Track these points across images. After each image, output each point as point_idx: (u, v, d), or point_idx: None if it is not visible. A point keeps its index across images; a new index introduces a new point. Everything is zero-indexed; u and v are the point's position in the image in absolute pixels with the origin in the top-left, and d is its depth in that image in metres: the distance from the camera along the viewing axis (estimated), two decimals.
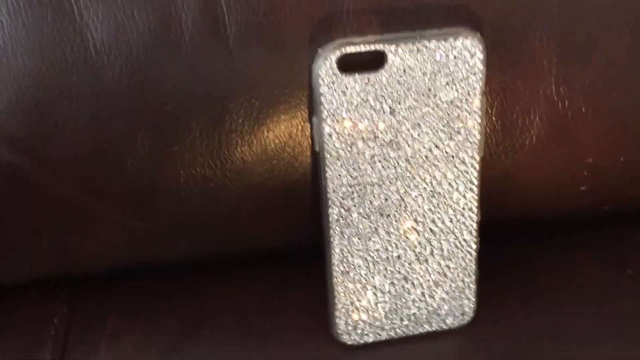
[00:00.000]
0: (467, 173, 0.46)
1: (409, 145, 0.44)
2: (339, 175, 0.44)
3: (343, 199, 0.45)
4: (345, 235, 0.46)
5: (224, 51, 0.41)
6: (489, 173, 0.48)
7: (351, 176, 0.44)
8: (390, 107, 0.43)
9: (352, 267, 0.47)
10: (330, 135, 0.43)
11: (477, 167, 0.45)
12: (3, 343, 0.50)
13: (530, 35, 0.43)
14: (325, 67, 0.41)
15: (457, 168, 0.45)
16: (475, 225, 0.47)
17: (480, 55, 0.42)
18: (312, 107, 0.42)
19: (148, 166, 0.43)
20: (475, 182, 0.46)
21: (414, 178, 0.45)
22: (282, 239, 0.50)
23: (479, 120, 0.44)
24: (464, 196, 0.46)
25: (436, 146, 0.44)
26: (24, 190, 0.43)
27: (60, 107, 0.41)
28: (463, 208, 0.46)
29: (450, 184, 0.46)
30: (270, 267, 0.53)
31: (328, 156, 0.43)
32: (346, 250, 0.46)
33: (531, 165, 0.48)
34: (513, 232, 0.54)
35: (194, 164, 0.44)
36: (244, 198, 0.46)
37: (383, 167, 0.44)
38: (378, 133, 0.43)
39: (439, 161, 0.45)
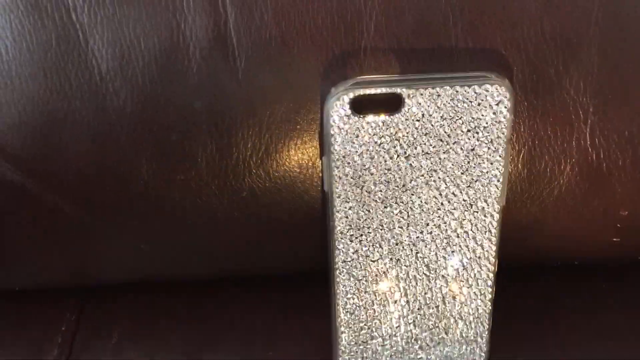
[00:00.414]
0: (486, 222, 0.43)
1: (423, 191, 0.42)
2: (347, 217, 0.42)
3: (351, 240, 0.43)
4: (352, 277, 0.44)
5: (233, 82, 0.39)
6: (512, 219, 0.45)
7: (360, 219, 0.42)
8: (405, 152, 0.40)
9: (358, 308, 0.45)
10: (339, 177, 0.41)
11: (497, 216, 0.43)
12: (9, 345, 0.51)
13: (565, 81, 0.40)
14: (338, 108, 0.38)
15: (475, 216, 0.43)
16: (491, 275, 0.44)
17: (507, 103, 0.39)
18: (323, 146, 0.40)
19: (153, 192, 0.42)
20: (494, 231, 0.43)
21: (427, 224, 0.43)
22: (289, 267, 0.48)
23: (502, 169, 0.41)
24: (481, 245, 0.44)
25: (453, 193, 0.42)
26: (28, 208, 0.43)
27: (63, 130, 0.40)
28: (479, 257, 0.44)
29: (466, 232, 0.43)
30: (275, 292, 0.51)
31: (337, 198, 0.41)
32: (352, 291, 0.44)
33: (559, 215, 0.45)
34: (537, 274, 0.51)
35: (199, 193, 0.42)
36: (250, 228, 0.44)
37: (394, 211, 0.42)
38: (391, 177, 0.41)
39: (455, 208, 0.42)
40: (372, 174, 0.41)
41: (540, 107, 0.41)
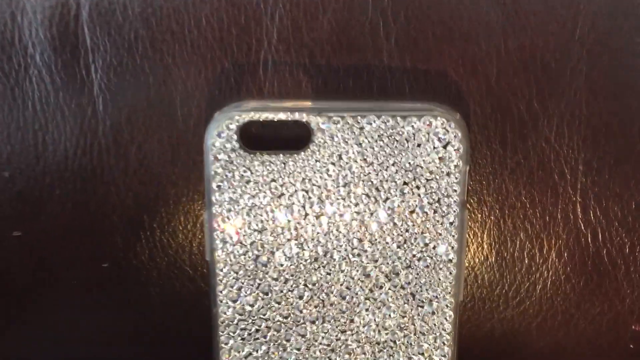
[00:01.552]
0: (435, 324, 0.30)
1: (342, 271, 0.29)
2: (234, 301, 0.30)
3: (241, 337, 0.30)
4: None
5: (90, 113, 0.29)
6: (477, 328, 0.32)
7: (252, 305, 0.30)
8: (313, 208, 0.29)
9: None
10: (223, 241, 0.29)
11: (452, 317, 0.30)
12: None
13: (542, 124, 0.29)
14: (222, 139, 0.28)
15: (419, 315, 0.30)
16: None
17: (458, 145, 0.28)
18: (205, 195, 0.29)
19: None
20: (448, 339, 0.30)
21: (351, 321, 0.30)
22: None
23: (455, 246, 0.29)
24: (429, 358, 0.31)
25: (386, 276, 0.30)
26: None
27: None
28: None
29: (407, 337, 0.30)
30: None
31: (220, 272, 0.29)
32: None
33: (544, 324, 0.32)
34: None
35: None
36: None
37: (302, 299, 0.30)
38: (294, 247, 0.29)
39: (390, 300, 0.30)
40: (267, 240, 0.29)
41: (509, 160, 0.29)
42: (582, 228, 0.30)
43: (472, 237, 0.31)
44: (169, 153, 0.30)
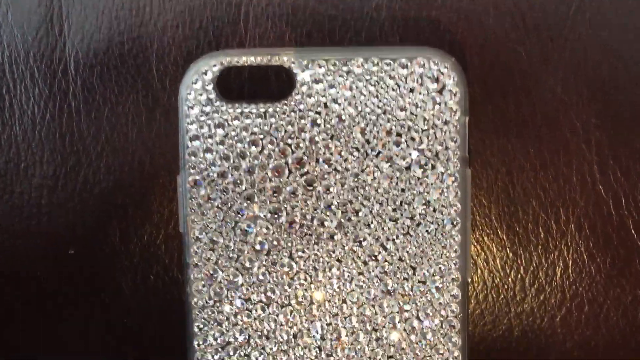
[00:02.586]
0: (436, 305, 0.26)
1: (330, 237, 0.26)
2: (210, 272, 0.26)
3: (218, 323, 0.26)
4: None
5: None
6: (498, 327, 0.28)
7: (229, 281, 0.26)
8: (299, 160, 0.26)
9: None
10: (198, 205, 0.26)
11: (458, 295, 0.26)
12: None
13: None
14: (196, 89, 0.26)
15: (418, 295, 0.26)
16: None
17: (453, 88, 0.25)
18: (180, 155, 0.26)
19: None
20: (456, 324, 0.26)
21: (343, 301, 0.26)
22: None
23: (458, 206, 0.26)
24: (435, 349, 0.26)
25: (382, 245, 0.26)
26: None
27: None
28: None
29: (408, 318, 0.26)
30: None
31: (194, 242, 0.26)
32: None
33: (569, 317, 0.28)
34: None
35: None
36: None
37: (283, 266, 0.26)
38: (278, 205, 0.26)
39: (385, 272, 0.26)
40: (247, 203, 0.26)
41: (512, 116, 0.26)
42: (602, 193, 0.27)
43: (477, 206, 0.27)
44: (144, 115, 0.27)
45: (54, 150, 0.28)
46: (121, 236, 0.28)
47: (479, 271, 0.28)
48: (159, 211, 0.28)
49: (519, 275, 0.28)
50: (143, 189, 0.28)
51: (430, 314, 0.26)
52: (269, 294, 0.26)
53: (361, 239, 0.26)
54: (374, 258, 0.26)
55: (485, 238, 0.28)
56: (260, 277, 0.26)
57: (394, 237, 0.26)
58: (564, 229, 0.27)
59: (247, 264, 0.26)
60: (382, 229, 0.26)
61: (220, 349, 0.26)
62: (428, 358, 0.26)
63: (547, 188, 0.27)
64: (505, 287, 0.28)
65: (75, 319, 0.29)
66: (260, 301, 0.26)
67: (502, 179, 0.27)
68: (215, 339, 0.26)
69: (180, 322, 0.27)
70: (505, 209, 0.27)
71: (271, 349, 0.26)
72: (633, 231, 0.27)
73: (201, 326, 0.26)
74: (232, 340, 0.26)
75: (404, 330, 0.26)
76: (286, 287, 0.26)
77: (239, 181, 0.26)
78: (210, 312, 0.26)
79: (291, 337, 0.26)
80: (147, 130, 0.27)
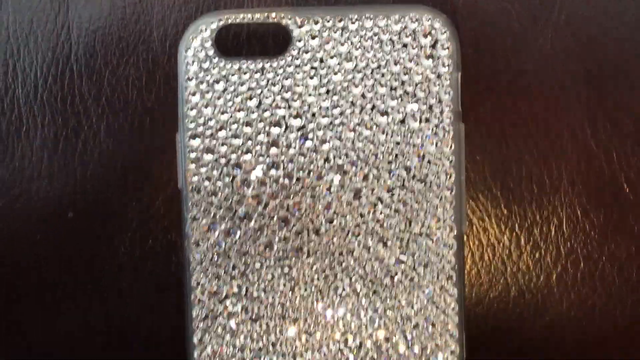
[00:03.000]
0: (438, 254, 0.26)
1: (328, 189, 0.26)
2: (209, 231, 0.26)
3: (216, 276, 0.27)
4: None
5: None
6: (494, 287, 0.28)
7: (227, 235, 0.26)
8: (297, 114, 0.26)
9: None
10: (197, 160, 0.26)
11: (454, 245, 0.26)
12: None
13: None
14: (195, 45, 0.26)
15: (416, 242, 0.26)
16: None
17: (445, 43, 0.26)
18: (178, 112, 0.27)
19: None
20: (452, 274, 0.26)
21: (340, 253, 0.27)
22: None
23: (452, 159, 0.26)
24: (435, 304, 0.26)
25: (378, 197, 0.26)
26: None
27: None
28: (435, 330, 0.26)
29: (404, 271, 0.26)
30: None
31: (192, 198, 0.26)
32: None
33: (565, 275, 0.28)
34: None
35: None
36: None
37: (284, 224, 0.26)
38: (276, 160, 0.26)
39: (383, 224, 0.26)
40: (245, 158, 0.26)
41: (503, 75, 0.27)
42: (594, 147, 0.27)
43: (471, 164, 0.28)
44: (144, 78, 0.28)
45: (55, 114, 0.28)
46: (120, 199, 0.29)
47: (474, 229, 0.28)
48: (158, 174, 0.28)
49: (514, 233, 0.28)
50: (142, 152, 0.28)
51: (427, 266, 0.26)
52: (266, 247, 0.26)
53: (358, 192, 0.26)
54: (371, 210, 0.26)
55: (480, 195, 0.28)
56: (258, 230, 0.26)
57: (390, 189, 0.26)
58: (557, 185, 0.28)
59: (245, 218, 0.26)
60: (378, 181, 0.26)
61: (218, 294, 0.27)
62: (425, 310, 0.26)
63: (539, 144, 0.27)
64: (501, 245, 0.28)
65: (73, 282, 0.29)
66: (258, 254, 0.26)
67: (495, 136, 0.28)
68: (215, 292, 0.26)
69: (178, 283, 0.28)
70: (498, 165, 0.28)
71: (267, 297, 0.26)
72: (625, 186, 0.28)
73: (200, 281, 0.26)
74: (228, 290, 0.26)
75: (401, 282, 0.26)
76: (283, 240, 0.26)
77: (236, 135, 0.26)
78: (208, 266, 0.26)
79: (288, 289, 0.26)
80: (147, 93, 0.28)
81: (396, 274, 0.26)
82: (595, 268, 0.28)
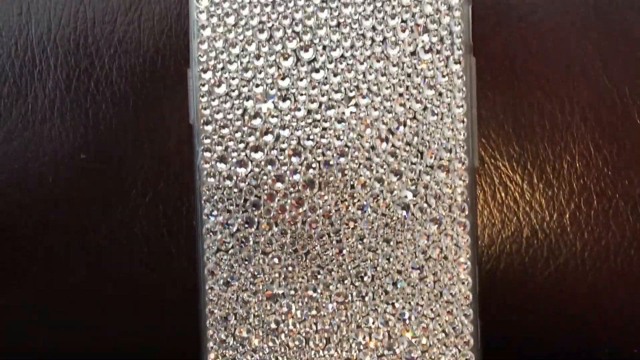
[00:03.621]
0: (449, 186, 0.26)
1: (338, 122, 0.26)
2: (219, 162, 0.26)
3: (229, 227, 0.27)
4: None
5: None
6: (507, 226, 0.28)
7: (239, 167, 0.26)
8: (308, 47, 0.26)
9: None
10: (209, 94, 0.26)
11: (466, 178, 0.26)
12: None
13: None
14: None
15: (427, 173, 0.26)
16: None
17: None
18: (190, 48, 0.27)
19: None
20: (464, 206, 0.26)
21: (351, 186, 0.26)
22: None
23: (464, 90, 0.26)
24: (447, 237, 0.26)
25: (389, 129, 0.26)
26: None
27: None
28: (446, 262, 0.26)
29: (416, 203, 0.26)
30: None
31: (205, 130, 0.27)
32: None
33: (579, 214, 0.28)
34: None
35: None
36: None
37: (295, 156, 0.26)
38: (287, 93, 0.26)
39: (395, 155, 0.26)
40: (256, 91, 0.26)
41: (513, 11, 0.27)
42: (607, 83, 0.27)
43: (483, 100, 0.28)
44: (155, 18, 0.28)
45: (67, 54, 0.28)
46: (132, 140, 0.29)
47: (486, 167, 0.28)
48: (169, 115, 0.29)
49: (526, 170, 0.28)
50: (154, 92, 0.28)
51: (439, 198, 0.26)
52: (278, 179, 0.26)
53: (369, 123, 0.26)
54: (382, 142, 0.26)
55: (491, 132, 0.28)
56: (269, 162, 0.26)
57: (402, 121, 0.26)
58: (569, 121, 0.28)
59: (255, 150, 0.26)
60: (390, 113, 0.26)
61: (228, 226, 0.26)
62: (437, 241, 0.26)
63: (550, 78, 0.27)
64: (513, 183, 0.28)
65: (85, 221, 0.29)
66: (266, 183, 0.26)
67: (506, 72, 0.28)
68: (225, 223, 0.26)
69: (189, 224, 0.28)
70: (509, 102, 0.28)
71: (278, 231, 0.26)
72: (638, 121, 0.27)
73: (211, 212, 0.26)
74: (238, 223, 0.26)
75: (413, 215, 0.26)
76: (294, 173, 0.26)
77: (247, 68, 0.26)
78: (218, 198, 0.26)
79: (300, 223, 0.26)
80: (158, 33, 0.28)
81: (408, 206, 0.26)
82: (609, 206, 0.28)
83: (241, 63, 0.26)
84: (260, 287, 0.27)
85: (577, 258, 0.28)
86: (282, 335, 0.27)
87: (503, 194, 0.28)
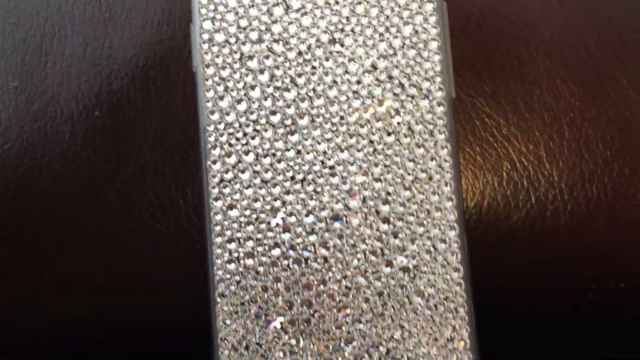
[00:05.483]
0: (431, 118, 0.29)
1: (326, 59, 0.29)
2: (221, 100, 0.29)
3: (229, 145, 0.29)
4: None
5: None
6: (487, 153, 0.30)
7: (239, 104, 0.29)
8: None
9: None
10: (209, 40, 0.30)
11: (445, 109, 0.29)
12: None
13: None
14: None
15: (411, 101, 0.29)
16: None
17: None
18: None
19: None
20: (443, 136, 0.29)
21: (341, 117, 0.29)
22: None
23: (437, 27, 0.29)
24: (428, 171, 0.29)
25: (372, 64, 0.29)
26: None
27: None
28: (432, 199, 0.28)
29: (396, 132, 0.29)
30: None
31: (206, 73, 0.29)
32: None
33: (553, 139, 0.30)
34: None
35: None
36: None
37: (289, 93, 0.29)
38: (280, 38, 0.29)
39: (379, 88, 0.29)
40: (252, 36, 0.29)
41: None
42: (563, 20, 0.30)
43: (454, 40, 0.31)
44: None
45: (83, 20, 0.32)
46: (142, 97, 0.32)
47: (464, 104, 0.31)
48: (176, 73, 0.32)
49: (501, 106, 0.31)
50: (162, 50, 0.32)
51: (421, 124, 0.29)
52: (275, 120, 0.29)
53: (354, 60, 0.29)
54: (365, 77, 0.29)
55: (467, 72, 0.31)
56: (265, 99, 0.29)
57: (384, 56, 0.29)
58: (535, 56, 0.31)
59: (254, 91, 0.29)
60: (371, 49, 0.29)
61: (230, 165, 0.29)
62: (419, 169, 0.29)
63: (514, 20, 0.31)
64: (490, 118, 0.31)
65: (98, 180, 0.31)
66: (267, 122, 0.29)
67: (475, 16, 0.31)
68: (227, 160, 0.29)
69: (194, 178, 0.30)
70: (479, 43, 0.31)
71: (276, 160, 0.29)
72: (598, 55, 0.30)
73: (215, 144, 0.29)
74: (239, 157, 0.29)
75: (398, 140, 0.29)
76: (287, 107, 0.29)
77: (242, 16, 0.29)
78: (226, 140, 0.29)
79: (294, 154, 0.29)
80: None
81: (392, 132, 0.29)
82: (579, 135, 0.30)
83: (237, 14, 0.30)
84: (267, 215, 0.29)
85: (556, 188, 0.31)
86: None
87: (481, 130, 0.31)
